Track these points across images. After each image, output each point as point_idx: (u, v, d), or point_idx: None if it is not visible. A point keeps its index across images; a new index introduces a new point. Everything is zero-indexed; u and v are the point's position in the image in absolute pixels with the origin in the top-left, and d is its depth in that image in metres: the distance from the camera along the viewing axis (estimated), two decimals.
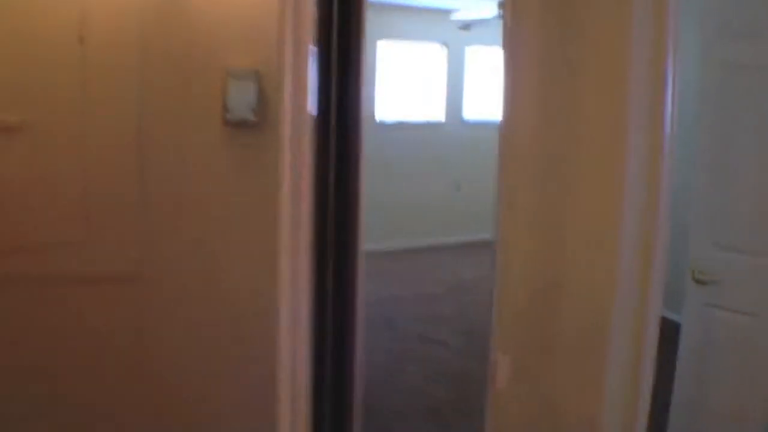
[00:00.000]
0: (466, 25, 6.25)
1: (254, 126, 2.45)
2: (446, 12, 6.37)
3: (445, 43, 7.48)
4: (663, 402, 2.44)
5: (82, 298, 2.51)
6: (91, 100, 2.43)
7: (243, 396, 2.57)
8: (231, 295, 2.56)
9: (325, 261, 2.28)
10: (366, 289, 5.71)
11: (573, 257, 2.19)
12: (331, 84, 2.24)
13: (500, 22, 2.29)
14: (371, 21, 2.49)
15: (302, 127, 1.92)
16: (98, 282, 2.54)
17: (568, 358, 2.19)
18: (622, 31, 1.99)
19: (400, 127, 7.36)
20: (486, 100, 7.55)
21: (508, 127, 2.24)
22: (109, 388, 2.53)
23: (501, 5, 2.43)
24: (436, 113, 7.59)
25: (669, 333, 2.28)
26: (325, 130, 2.24)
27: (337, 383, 2.40)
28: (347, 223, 2.43)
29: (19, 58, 2.35)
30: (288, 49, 1.87)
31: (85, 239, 2.51)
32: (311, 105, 1.98)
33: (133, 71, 2.46)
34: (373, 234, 7.07)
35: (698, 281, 2.43)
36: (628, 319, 2.06)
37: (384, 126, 7.20)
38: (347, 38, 2.27)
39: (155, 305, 2.58)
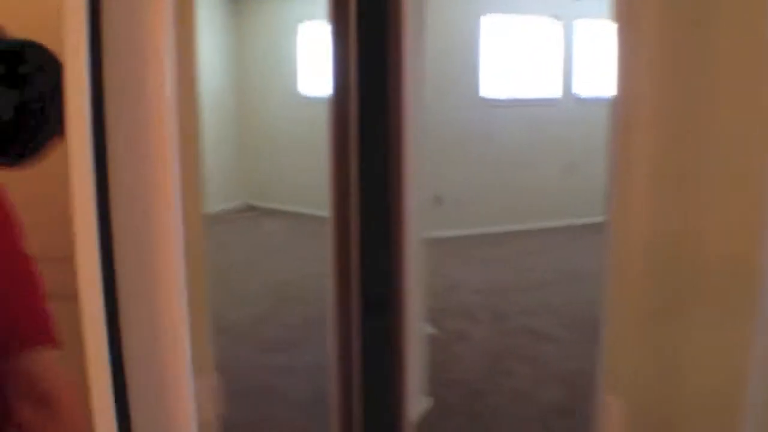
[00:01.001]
0: None
1: None
2: None
3: (555, 16, 7.13)
4: None
5: None
6: None
7: None
8: None
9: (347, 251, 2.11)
10: (472, 276, 5.65)
11: (708, 248, 1.98)
12: (349, 59, 2.04)
13: None
14: None
15: None
16: None
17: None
18: None
19: (510, 104, 7.08)
20: (599, 75, 7.13)
21: (624, 100, 2.16)
22: None
23: None
24: (549, 90, 7.25)
25: None
26: (341, 111, 2.04)
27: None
28: (384, 211, 2.22)
29: None
30: None
31: None
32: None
33: None
34: (480, 216, 6.99)
35: None
36: None
37: (492, 103, 6.96)
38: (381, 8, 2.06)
39: None
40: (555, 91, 7.25)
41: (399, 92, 2.01)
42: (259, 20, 8.22)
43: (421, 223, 3.34)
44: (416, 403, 3.29)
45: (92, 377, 1.28)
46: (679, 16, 2.09)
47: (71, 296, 1.27)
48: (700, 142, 2.07)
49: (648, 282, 2.16)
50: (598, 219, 3.02)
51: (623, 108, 2.19)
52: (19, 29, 1.31)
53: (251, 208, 8.34)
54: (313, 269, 4.46)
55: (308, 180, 6.82)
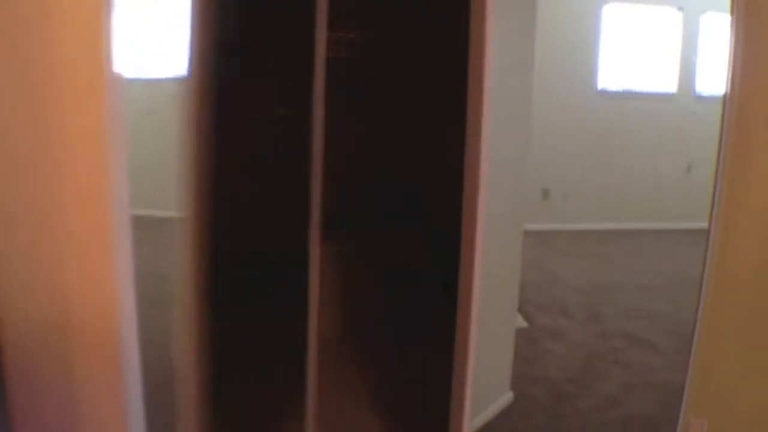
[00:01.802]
0: None
1: None
2: None
3: (679, 7, 6.85)
4: None
5: None
6: None
7: None
8: None
9: None
10: (573, 272, 5.52)
11: None
12: None
13: None
14: None
15: None
16: None
17: None
18: None
19: (626, 96, 6.83)
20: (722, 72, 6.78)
21: (738, 97, 2.10)
22: None
23: None
24: (667, 84, 6.95)
25: None
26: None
27: None
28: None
29: None
30: None
31: None
32: None
33: None
34: (587, 212, 6.83)
35: None
36: None
37: (608, 95, 6.74)
38: None
39: None
40: (671, 86, 6.97)
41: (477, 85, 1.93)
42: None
43: (521, 215, 3.29)
44: (497, 396, 3.26)
45: None
46: None
47: None
48: None
49: (750, 297, 2.02)
50: None
51: (737, 106, 2.06)
52: None
53: None
54: None
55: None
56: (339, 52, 2.57)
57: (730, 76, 2.09)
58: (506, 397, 3.35)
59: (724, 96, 2.12)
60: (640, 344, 4.17)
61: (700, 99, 6.96)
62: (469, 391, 1.97)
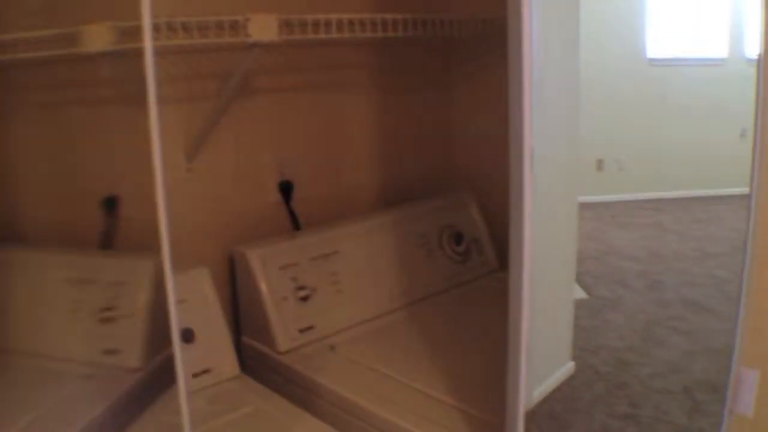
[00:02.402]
0: None
1: None
2: None
3: None
4: None
5: None
6: None
7: None
8: None
9: None
10: (630, 242, 5.53)
11: None
12: None
13: None
14: None
15: None
16: None
17: None
18: None
19: (676, 63, 6.75)
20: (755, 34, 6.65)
21: None
22: None
23: None
24: (717, 49, 6.86)
25: None
26: None
27: None
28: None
29: None
30: None
31: None
32: None
33: None
34: (643, 181, 6.80)
35: None
36: None
37: (657, 63, 6.68)
38: None
39: None
40: (721, 51, 6.86)
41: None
42: None
43: (575, 187, 3.31)
44: (558, 366, 3.31)
45: None
46: None
47: None
48: None
49: None
50: None
51: None
52: None
53: None
54: None
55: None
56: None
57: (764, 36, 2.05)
58: (568, 366, 3.39)
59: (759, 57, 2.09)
60: (700, 311, 4.17)
61: (751, 63, 6.77)
62: (524, 359, 2.02)
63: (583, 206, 6.65)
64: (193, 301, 2.36)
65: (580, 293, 4.42)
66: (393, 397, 2.25)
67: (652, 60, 6.72)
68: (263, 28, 2.23)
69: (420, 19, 2.75)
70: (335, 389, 2.30)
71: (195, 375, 2.29)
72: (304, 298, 2.63)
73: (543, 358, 3.06)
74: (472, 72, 3.26)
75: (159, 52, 2.28)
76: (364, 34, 2.56)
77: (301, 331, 2.59)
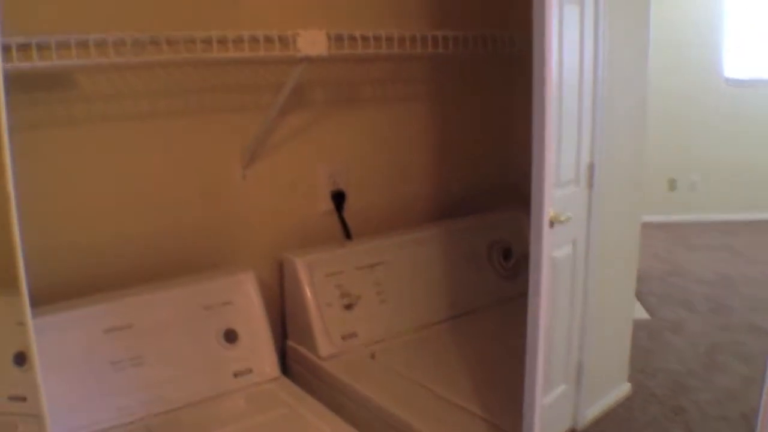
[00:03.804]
0: None
1: None
2: None
3: None
4: None
5: None
6: None
7: None
8: None
9: None
10: (698, 264, 5.44)
11: None
12: None
13: None
14: None
15: None
16: None
17: None
18: None
19: (756, 84, 6.58)
20: None
21: None
22: None
23: None
24: None
25: None
26: None
27: None
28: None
29: None
30: None
31: None
32: None
33: None
34: (716, 202, 6.67)
35: None
36: None
37: (735, 83, 6.53)
38: None
39: None
40: None
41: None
42: None
43: (639, 205, 3.29)
44: (613, 387, 3.30)
45: None
46: None
47: None
48: None
49: None
50: None
51: None
52: None
53: None
54: None
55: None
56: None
57: None
58: (624, 388, 3.38)
59: None
60: (764, 336, 4.09)
61: None
62: (540, 372, 2.08)
63: (653, 226, 6.60)
64: (238, 303, 2.49)
65: (641, 313, 4.38)
66: (426, 407, 2.33)
67: (729, 80, 6.58)
68: (313, 43, 2.34)
69: (470, 36, 2.82)
70: (370, 396, 2.39)
71: (236, 374, 2.41)
72: (349, 306, 2.72)
73: (598, 378, 3.03)
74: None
75: (209, 63, 2.44)
76: (414, 50, 2.65)
77: (344, 337, 2.69)
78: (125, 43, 2.12)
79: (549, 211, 2.02)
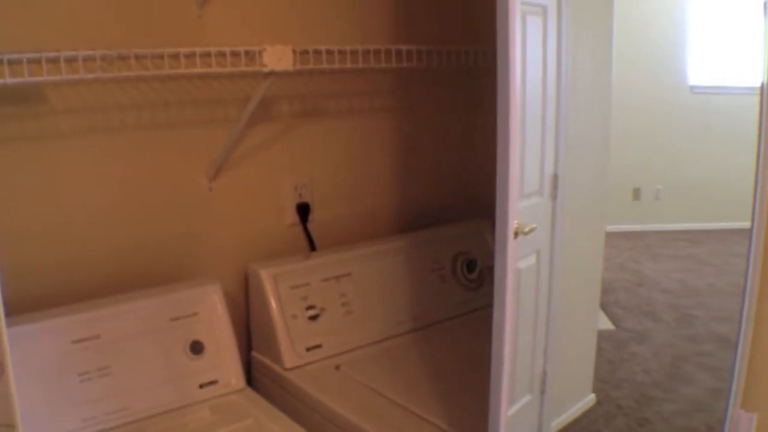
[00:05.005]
0: None
1: None
2: None
3: None
4: None
5: None
6: None
7: None
8: None
9: None
10: (663, 274, 5.50)
11: None
12: None
13: None
14: None
15: None
16: None
17: None
18: None
19: (719, 92, 6.77)
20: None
21: None
22: None
23: None
24: (760, 78, 6.72)
25: None
26: None
27: None
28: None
29: None
30: None
31: None
32: None
33: None
34: (681, 212, 6.76)
35: None
36: None
37: (699, 91, 6.73)
38: None
39: None
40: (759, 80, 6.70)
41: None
42: None
43: (603, 215, 3.39)
44: (578, 398, 3.40)
45: None
46: None
47: None
48: None
49: None
50: None
51: None
52: None
53: None
54: None
55: None
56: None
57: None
58: (588, 399, 3.46)
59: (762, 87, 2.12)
60: (730, 347, 4.13)
61: None
62: (505, 383, 2.15)
63: (617, 235, 6.70)
64: (204, 314, 2.57)
65: (606, 324, 4.49)
66: (390, 419, 2.42)
67: (693, 87, 6.77)
68: (279, 58, 2.43)
69: (435, 49, 2.92)
70: (334, 407, 2.47)
71: (202, 385, 2.48)
72: (314, 318, 2.81)
73: (562, 389, 3.10)
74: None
75: (177, 78, 2.53)
76: (377, 64, 2.75)
77: (308, 349, 2.77)
78: (95, 59, 2.19)
79: (513, 222, 2.10)
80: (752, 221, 2.16)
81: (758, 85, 2.17)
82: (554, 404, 3.01)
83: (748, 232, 2.19)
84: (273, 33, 2.78)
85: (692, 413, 3.42)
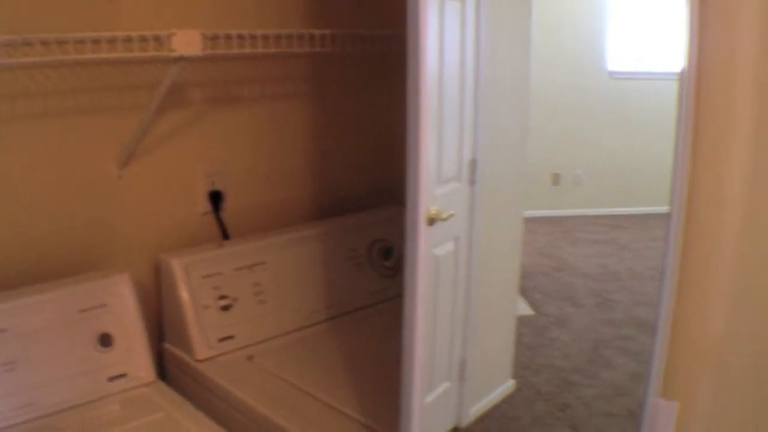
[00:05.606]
0: None
1: None
2: None
3: None
4: None
5: None
6: None
7: None
8: None
9: None
10: (583, 259, 5.56)
11: None
12: None
13: None
14: None
15: None
16: None
17: None
18: None
19: (637, 77, 6.89)
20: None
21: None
22: None
23: None
24: (675, 63, 6.88)
25: None
26: None
27: None
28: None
29: None
30: None
31: None
32: None
33: None
34: (601, 197, 6.88)
35: None
36: None
37: (618, 77, 6.84)
38: None
39: None
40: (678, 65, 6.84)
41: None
42: None
43: (521, 200, 3.40)
44: (497, 384, 3.40)
45: None
46: None
47: None
48: None
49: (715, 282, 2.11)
50: None
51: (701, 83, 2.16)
52: None
53: None
54: None
55: None
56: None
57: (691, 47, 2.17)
58: (508, 384, 3.48)
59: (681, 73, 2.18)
60: (651, 332, 4.18)
61: None
62: (418, 372, 2.17)
63: (537, 221, 6.78)
64: (113, 305, 2.55)
65: (526, 309, 4.54)
66: (303, 411, 2.44)
67: (612, 73, 6.88)
68: (188, 43, 2.41)
69: (350, 34, 2.93)
70: (246, 400, 2.49)
71: (111, 379, 2.47)
72: (226, 308, 2.80)
73: (481, 375, 3.13)
74: None
75: (85, 64, 2.49)
76: (290, 49, 2.74)
77: (221, 340, 2.78)
78: None
79: (425, 209, 2.11)
80: (671, 206, 2.19)
81: (678, 70, 2.18)
82: (474, 391, 3.05)
83: (667, 217, 2.22)
84: (187, 18, 2.77)
85: (613, 398, 3.47)
